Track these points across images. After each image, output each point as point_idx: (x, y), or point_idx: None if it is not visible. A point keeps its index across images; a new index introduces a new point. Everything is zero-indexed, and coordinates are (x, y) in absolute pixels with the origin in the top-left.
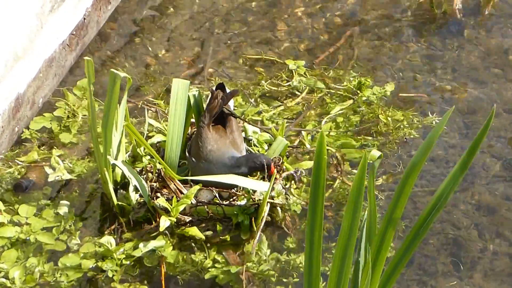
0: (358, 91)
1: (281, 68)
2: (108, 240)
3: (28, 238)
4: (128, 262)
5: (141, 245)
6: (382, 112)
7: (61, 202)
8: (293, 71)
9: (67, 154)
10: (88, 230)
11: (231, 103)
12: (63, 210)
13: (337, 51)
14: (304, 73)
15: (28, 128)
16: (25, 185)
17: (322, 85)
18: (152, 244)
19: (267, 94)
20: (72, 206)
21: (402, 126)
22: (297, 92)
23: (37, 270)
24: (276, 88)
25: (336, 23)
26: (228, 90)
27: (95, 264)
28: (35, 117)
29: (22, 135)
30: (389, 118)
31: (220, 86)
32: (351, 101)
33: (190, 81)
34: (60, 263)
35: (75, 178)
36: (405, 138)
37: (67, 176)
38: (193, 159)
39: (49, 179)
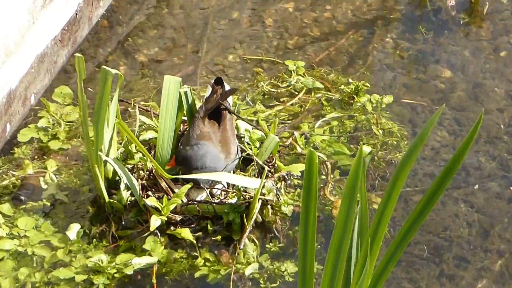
0: (355, 96)
1: (281, 68)
2: (100, 257)
3: (25, 250)
4: (119, 276)
5: (134, 261)
6: (375, 120)
7: (71, 225)
8: (292, 71)
9: (60, 160)
10: (80, 231)
11: (230, 100)
12: (71, 233)
13: (333, 51)
14: (303, 73)
15: (17, 143)
16: (24, 196)
17: (320, 85)
18: (145, 260)
19: (266, 96)
20: (65, 212)
21: (390, 145)
22: (295, 92)
23: (29, 281)
24: (275, 90)
25: (327, 19)
26: (227, 86)
27: (87, 277)
28: (21, 130)
29: (15, 153)
30: (380, 131)
31: (219, 81)
32: (349, 112)
33: (184, 78)
34: (52, 276)
35: (70, 186)
36: (392, 161)
37: (60, 195)
38: (181, 145)
39: (42, 197)
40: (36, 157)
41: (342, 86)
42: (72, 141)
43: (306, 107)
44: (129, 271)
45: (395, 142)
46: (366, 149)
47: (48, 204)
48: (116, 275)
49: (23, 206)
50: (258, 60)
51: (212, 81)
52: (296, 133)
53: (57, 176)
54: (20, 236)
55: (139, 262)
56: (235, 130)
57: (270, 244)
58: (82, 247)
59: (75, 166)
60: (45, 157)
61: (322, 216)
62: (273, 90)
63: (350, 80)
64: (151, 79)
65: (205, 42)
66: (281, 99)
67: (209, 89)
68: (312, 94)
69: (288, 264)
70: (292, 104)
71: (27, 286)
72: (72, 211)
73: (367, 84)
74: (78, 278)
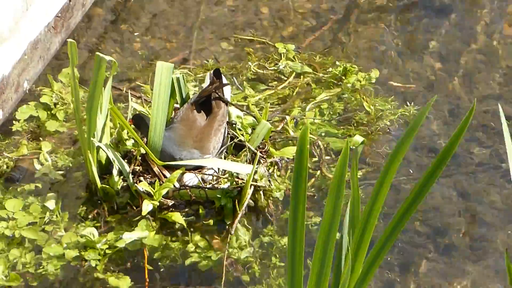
0: (344, 77)
1: (271, 51)
2: (91, 231)
3: (13, 234)
4: (111, 252)
5: (124, 235)
6: (365, 98)
7: (48, 195)
8: (282, 54)
9: (54, 143)
10: (71, 215)
11: (228, 94)
12: (49, 203)
13: (323, 36)
14: (293, 57)
15: (15, 118)
16: (17, 177)
17: (308, 69)
18: (136, 234)
19: (253, 77)
20: (58, 193)
21: (384, 116)
22: (283, 77)
23: (20, 261)
24: (262, 71)
25: (321, 7)
26: (224, 79)
27: (78, 254)
28: (20, 107)
29: (12, 127)
30: (372, 107)
31: (217, 72)
32: (338, 89)
33: (177, 65)
34: (44, 253)
35: (62, 169)
36: (388, 129)
37: (54, 174)
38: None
39: (36, 176)
40: (30, 138)
41: (330, 69)
42: (67, 123)
43: (295, 91)
44: (120, 244)
45: (388, 112)
46: (358, 138)
47: (40, 186)
48: (107, 251)
49: (15, 186)
50: (248, 42)
51: (212, 72)
52: (287, 118)
53: (51, 157)
54: (8, 218)
55: (130, 236)
56: (222, 132)
57: (263, 227)
58: (63, 216)
59: (68, 149)
60: (40, 138)
61: (318, 195)
62: (260, 71)
63: (337, 63)
64: (144, 64)
65: (196, 29)
66: (270, 84)
67: (207, 80)
68: (301, 78)
69: (280, 247)
70: (284, 88)
71: (18, 266)
72: (64, 193)
73: (355, 66)
74: (69, 254)
